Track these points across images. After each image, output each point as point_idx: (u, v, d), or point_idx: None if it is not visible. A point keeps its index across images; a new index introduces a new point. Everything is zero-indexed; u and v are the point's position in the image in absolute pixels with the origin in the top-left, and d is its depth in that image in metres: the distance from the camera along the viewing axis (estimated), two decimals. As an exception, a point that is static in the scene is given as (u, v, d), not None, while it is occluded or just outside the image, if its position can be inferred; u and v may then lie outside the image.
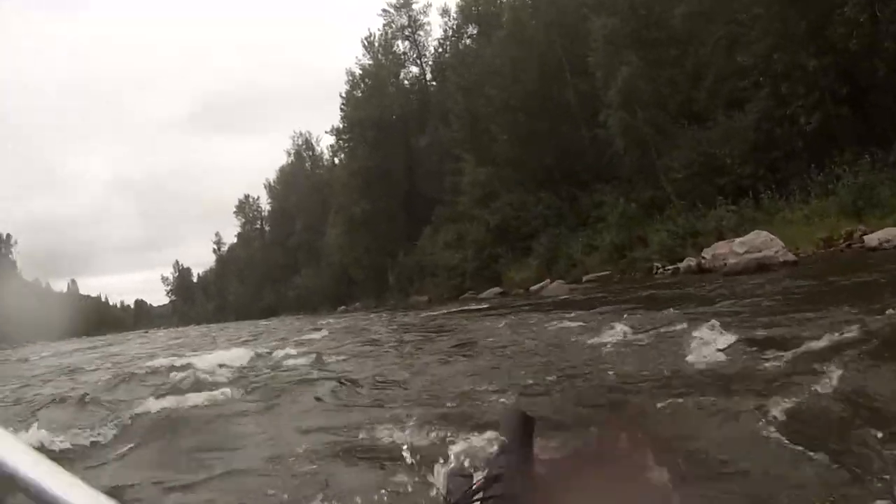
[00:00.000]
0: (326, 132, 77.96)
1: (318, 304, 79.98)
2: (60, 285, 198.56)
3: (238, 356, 12.96)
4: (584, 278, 36.10)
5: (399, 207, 66.96)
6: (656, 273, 31.63)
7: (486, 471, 2.05)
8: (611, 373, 7.43)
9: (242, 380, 10.17)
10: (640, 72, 38.40)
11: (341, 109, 73.97)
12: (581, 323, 12.73)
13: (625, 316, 11.91)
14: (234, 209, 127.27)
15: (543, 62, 46.90)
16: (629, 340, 9.39)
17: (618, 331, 9.96)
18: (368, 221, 66.96)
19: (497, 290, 42.81)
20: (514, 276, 43.23)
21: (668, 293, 18.65)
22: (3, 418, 8.91)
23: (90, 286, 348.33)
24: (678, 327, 9.36)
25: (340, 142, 76.54)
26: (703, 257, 26.99)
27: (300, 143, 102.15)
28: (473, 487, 1.92)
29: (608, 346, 9.22)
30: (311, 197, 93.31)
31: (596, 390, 6.84)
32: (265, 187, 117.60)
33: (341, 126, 74.46)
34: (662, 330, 9.63)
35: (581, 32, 42.86)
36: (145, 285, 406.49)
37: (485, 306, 28.93)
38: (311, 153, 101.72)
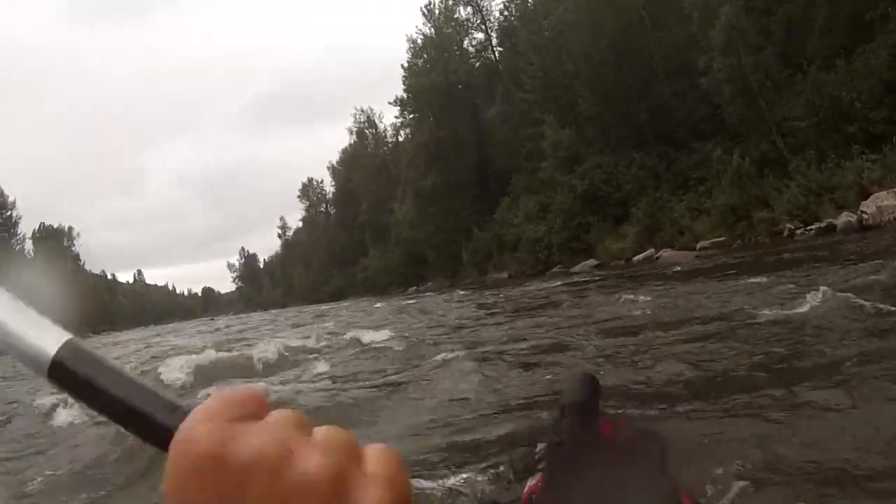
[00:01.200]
0: (389, 103, 73.35)
1: (386, 285, 76.73)
2: (127, 276, 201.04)
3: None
4: (698, 245, 31.57)
5: (471, 180, 62.66)
6: (791, 235, 27.22)
7: (549, 439, 1.98)
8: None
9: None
10: (743, 9, 33.77)
11: (403, 81, 69.88)
12: (764, 293, 10.75)
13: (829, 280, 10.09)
14: (298, 193, 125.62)
15: (622, 13, 42.46)
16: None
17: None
18: (439, 196, 62.97)
19: (591, 262, 38.61)
20: (610, 247, 38.81)
21: (847, 254, 15.17)
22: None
23: (157, 276, 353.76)
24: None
25: (405, 113, 72.09)
26: (864, 212, 22.35)
27: (362, 120, 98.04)
28: (536, 456, 2.02)
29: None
30: (375, 175, 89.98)
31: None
32: (328, 169, 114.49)
33: (405, 97, 69.95)
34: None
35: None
36: (215, 273, 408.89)
37: (588, 279, 24.96)
38: (373, 131, 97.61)
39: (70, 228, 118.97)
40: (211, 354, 12.64)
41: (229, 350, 13.90)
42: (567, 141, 44.42)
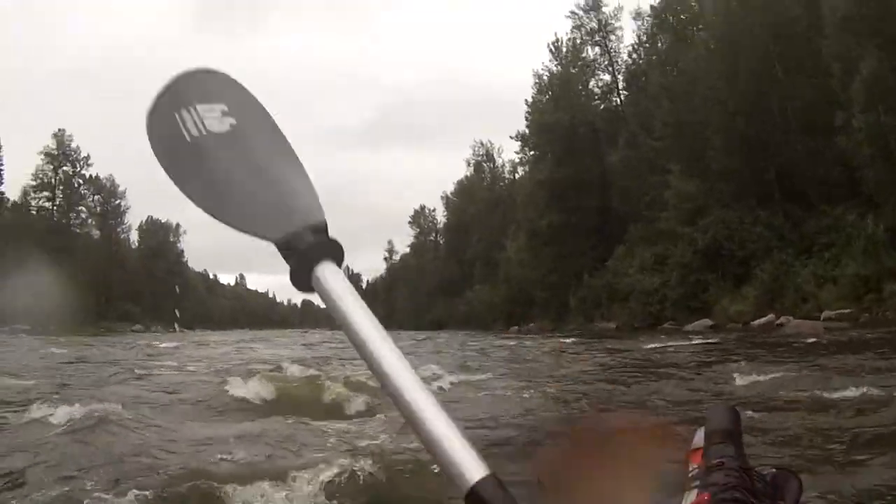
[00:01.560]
0: (511, 137, 72.96)
1: (489, 321, 75.35)
2: (229, 279, 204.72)
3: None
4: (822, 316, 29.88)
5: (588, 224, 61.42)
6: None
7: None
8: None
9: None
10: (886, 65, 32.02)
11: (526, 117, 69.69)
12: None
13: None
14: (409, 219, 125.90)
15: (758, 59, 40.92)
16: None
17: None
18: (554, 237, 61.85)
19: (706, 322, 37.02)
20: (728, 308, 37.33)
21: None
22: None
23: (259, 282, 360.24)
24: None
25: (526, 150, 71.66)
26: None
27: (481, 153, 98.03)
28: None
29: None
30: (490, 210, 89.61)
31: None
32: (442, 199, 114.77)
33: (527, 132, 69.67)
34: None
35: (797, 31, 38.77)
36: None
37: (704, 340, 23.69)
38: (491, 164, 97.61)
39: (177, 225, 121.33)
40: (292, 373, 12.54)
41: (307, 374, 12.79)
42: (693, 192, 43.02)
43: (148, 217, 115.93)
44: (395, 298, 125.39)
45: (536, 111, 67.33)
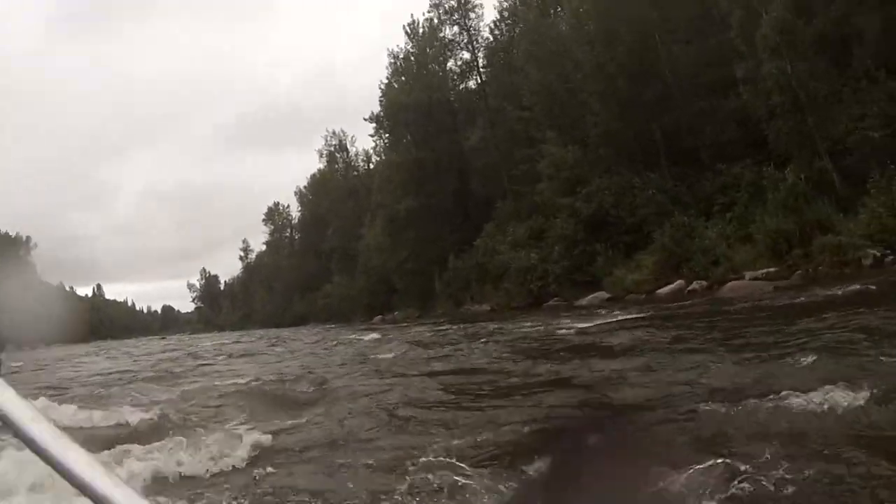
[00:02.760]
0: (365, 119, 64.42)
1: (350, 313, 69.28)
2: (86, 290, 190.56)
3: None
4: (748, 276, 24.38)
5: (449, 206, 54.94)
6: (878, 264, 20.56)
7: None
8: None
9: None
10: (792, 10, 27.27)
11: (380, 99, 62.08)
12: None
13: None
14: (263, 217, 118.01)
15: (639, 22, 35.45)
16: None
17: None
18: (413, 222, 55.11)
19: (602, 295, 31.01)
20: (624, 278, 31.34)
21: None
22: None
23: (118, 292, 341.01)
24: None
25: (381, 133, 63.75)
26: None
27: (333, 143, 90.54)
28: None
29: None
30: (344, 201, 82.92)
31: None
32: (295, 194, 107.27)
33: (381, 114, 62.12)
34: None
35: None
36: (179, 292, 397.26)
37: (631, 316, 17.79)
38: (344, 154, 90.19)
39: (28, 238, 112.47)
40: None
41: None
42: (571, 159, 36.99)
43: None
44: (254, 298, 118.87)
45: (391, 91, 59.89)
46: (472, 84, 60.04)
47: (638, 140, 35.92)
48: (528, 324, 19.08)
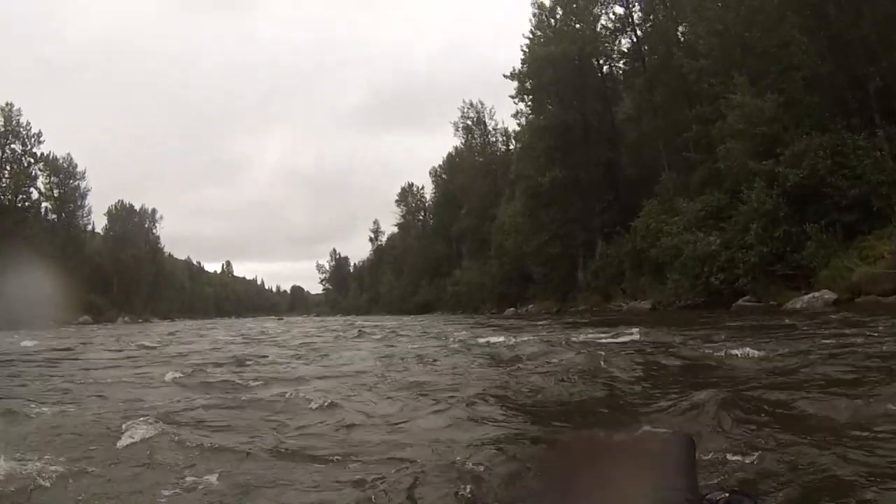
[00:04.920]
0: (505, 76, 53.75)
1: (480, 302, 63.07)
2: (215, 266, 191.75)
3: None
4: None
5: (598, 181, 46.63)
6: None
7: None
8: None
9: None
10: None
11: (523, 53, 51.99)
12: None
13: None
14: (396, 197, 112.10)
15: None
16: None
17: None
18: (557, 197, 46.81)
19: (825, 296, 21.98)
20: (851, 273, 22.25)
21: None
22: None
23: (246, 269, 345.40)
24: None
25: (523, 94, 53.69)
26: None
27: (471, 116, 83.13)
28: None
29: None
30: (480, 179, 75.82)
31: None
32: (430, 174, 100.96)
33: (524, 70, 52.22)
34: None
35: None
36: (308, 273, 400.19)
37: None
38: (482, 128, 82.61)
39: (153, 210, 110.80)
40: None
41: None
42: (770, 110, 27.64)
43: (118, 201, 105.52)
44: (380, 282, 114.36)
45: (536, 45, 50.87)
46: (625, 44, 50.59)
47: (852, 89, 26.82)
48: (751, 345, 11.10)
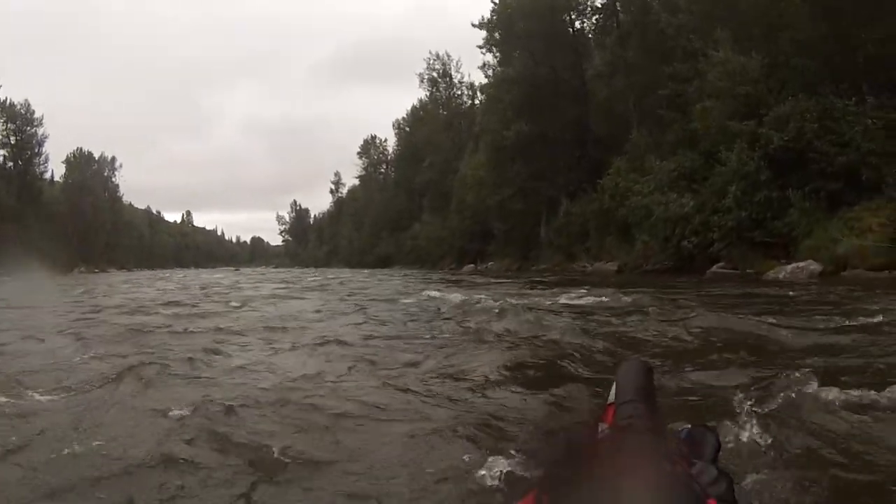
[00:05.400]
0: (473, 25, 52.29)
1: (439, 258, 62.37)
2: (175, 216, 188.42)
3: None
4: None
5: (566, 137, 44.89)
6: None
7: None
8: None
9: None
10: None
11: (493, 5, 50.19)
12: None
13: None
14: (358, 150, 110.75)
15: None
16: None
17: None
18: (523, 152, 45.02)
19: (810, 267, 20.49)
20: (837, 244, 20.69)
21: None
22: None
23: (207, 220, 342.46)
24: None
25: (491, 45, 51.83)
26: None
27: (437, 68, 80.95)
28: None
29: None
30: (443, 131, 74.59)
31: None
32: (393, 126, 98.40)
33: (492, 19, 50.84)
34: None
35: None
36: (269, 225, 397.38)
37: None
38: (447, 80, 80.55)
39: (113, 158, 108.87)
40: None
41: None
42: (755, 70, 25.87)
43: (77, 149, 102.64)
44: (340, 235, 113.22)
45: None
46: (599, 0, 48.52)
47: (843, 55, 25.19)
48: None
